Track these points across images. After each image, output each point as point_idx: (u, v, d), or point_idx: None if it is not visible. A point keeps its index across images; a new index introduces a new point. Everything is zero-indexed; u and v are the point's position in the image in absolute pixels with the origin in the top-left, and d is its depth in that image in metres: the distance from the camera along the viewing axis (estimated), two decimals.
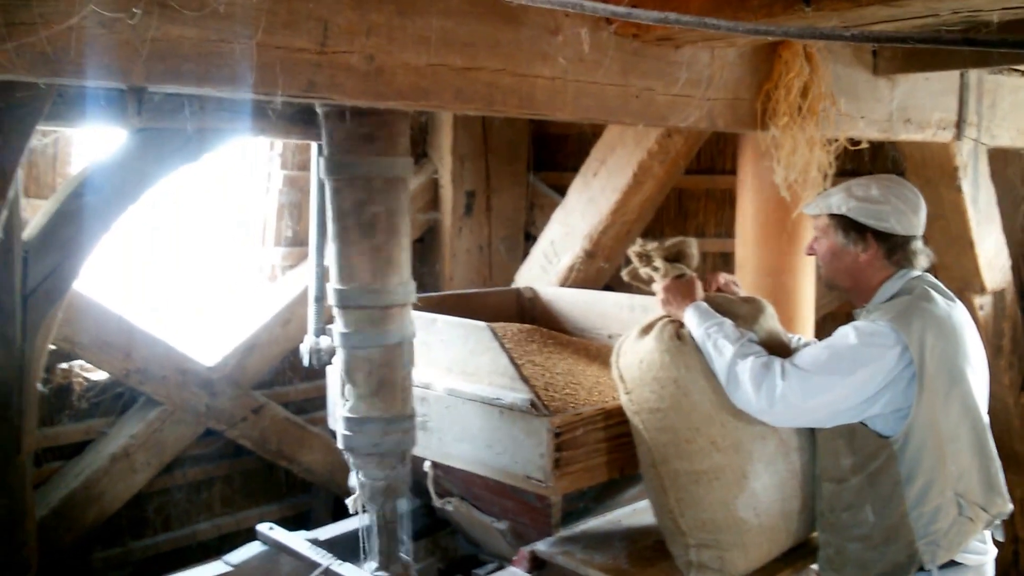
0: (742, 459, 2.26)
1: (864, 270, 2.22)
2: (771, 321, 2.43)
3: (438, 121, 4.25)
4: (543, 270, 4.08)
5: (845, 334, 2.10)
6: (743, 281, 3.24)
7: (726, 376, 2.18)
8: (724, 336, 2.21)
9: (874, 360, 2.04)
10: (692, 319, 2.30)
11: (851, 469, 2.14)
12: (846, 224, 2.19)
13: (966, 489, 2.11)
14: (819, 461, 2.26)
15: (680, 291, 2.36)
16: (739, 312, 2.37)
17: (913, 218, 2.19)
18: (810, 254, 2.36)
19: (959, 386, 2.11)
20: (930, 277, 2.23)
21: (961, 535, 2.09)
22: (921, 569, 2.08)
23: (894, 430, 2.07)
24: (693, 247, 2.46)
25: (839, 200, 2.20)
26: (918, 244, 2.22)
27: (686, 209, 4.70)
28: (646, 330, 2.44)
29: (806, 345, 2.51)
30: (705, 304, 2.33)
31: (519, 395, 2.46)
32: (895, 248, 2.19)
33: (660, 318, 2.44)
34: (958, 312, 2.19)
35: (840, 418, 2.12)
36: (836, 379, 2.06)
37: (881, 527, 2.10)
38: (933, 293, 2.15)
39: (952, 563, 2.10)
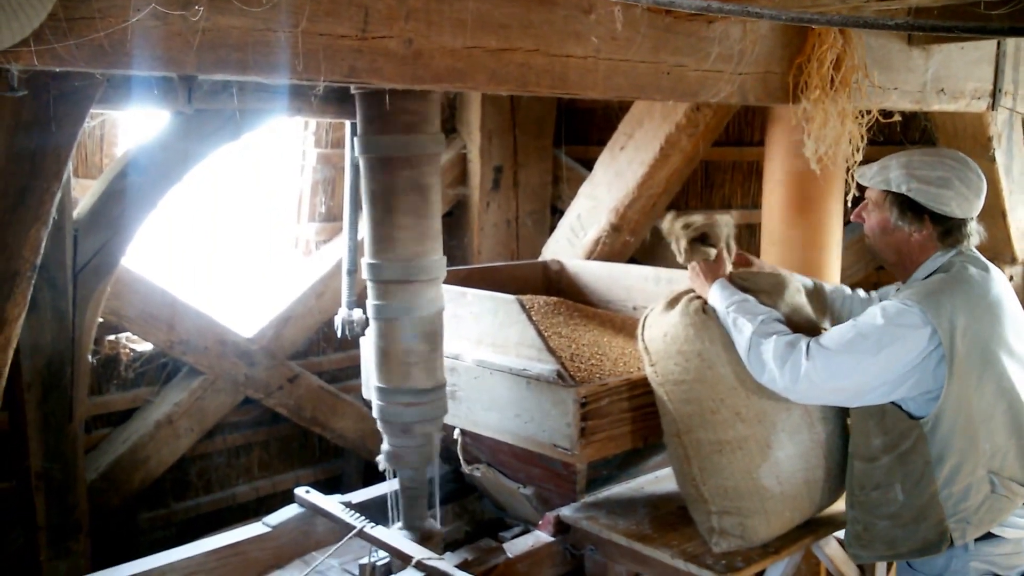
0: (766, 429, 2.29)
1: (913, 248, 2.15)
2: (797, 296, 2.42)
3: (467, 97, 4.26)
4: (569, 243, 4.11)
5: (873, 315, 2.06)
6: (769, 252, 3.26)
7: (746, 354, 2.18)
8: (746, 314, 2.21)
9: (900, 341, 1.99)
10: (716, 296, 2.31)
11: (881, 448, 2.11)
12: (903, 203, 2.10)
13: (1001, 466, 2.06)
14: (851, 439, 2.25)
15: (706, 269, 2.37)
16: (763, 287, 2.38)
17: (975, 201, 2.10)
18: (856, 221, 2.26)
19: (994, 366, 2.05)
20: (971, 251, 2.16)
21: (994, 512, 2.05)
22: (952, 545, 2.06)
23: (924, 411, 2.04)
24: (720, 226, 2.43)
25: (899, 177, 2.09)
26: (972, 225, 2.14)
27: (713, 181, 4.69)
28: (672, 303, 2.47)
29: (863, 300, 2.49)
30: (727, 281, 2.33)
31: (546, 366, 2.52)
32: (950, 230, 2.11)
33: (686, 291, 2.48)
34: (997, 286, 2.11)
35: (866, 398, 2.09)
36: (861, 359, 2.02)
37: (911, 506, 2.08)
38: (970, 270, 2.09)
39: (989, 535, 2.07)
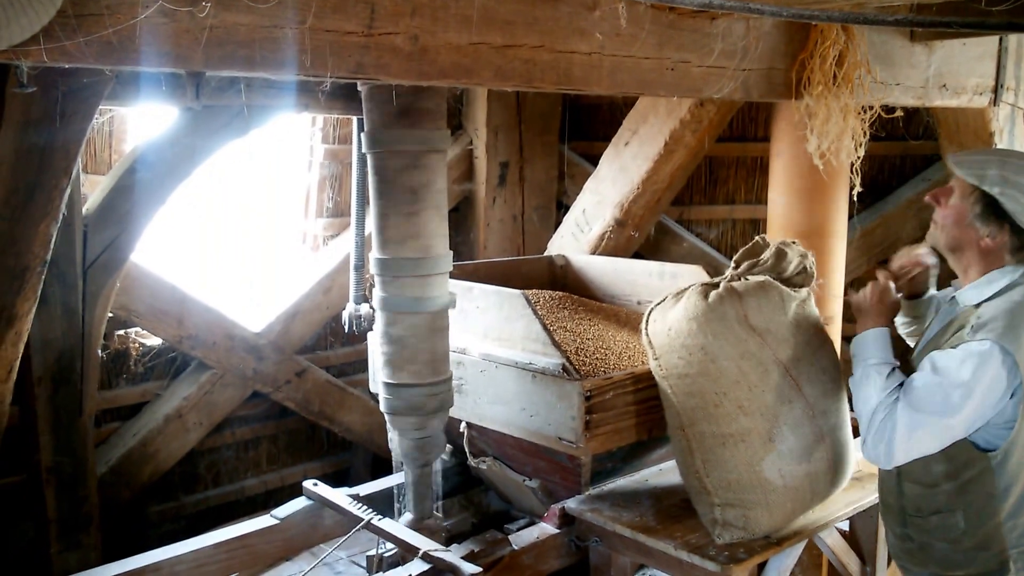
0: (768, 422, 2.30)
1: (980, 251, 2.00)
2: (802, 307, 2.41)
3: (473, 94, 4.27)
4: (575, 238, 4.13)
5: (955, 366, 1.91)
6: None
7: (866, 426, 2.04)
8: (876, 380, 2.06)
9: (986, 391, 1.88)
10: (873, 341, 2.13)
11: (943, 475, 2.01)
12: (989, 204, 1.95)
13: None
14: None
15: (879, 300, 2.18)
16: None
17: None
18: (929, 202, 2.09)
19: None
20: None
21: None
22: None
23: (995, 443, 1.94)
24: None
25: (994, 177, 1.95)
26: None
27: (717, 176, 4.70)
28: (675, 298, 2.49)
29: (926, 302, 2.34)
30: (887, 333, 2.14)
31: (551, 360, 2.54)
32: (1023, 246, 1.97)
33: (688, 287, 2.49)
34: None
35: (954, 440, 1.97)
36: (950, 419, 1.91)
37: (972, 535, 2.01)
38: None
39: None
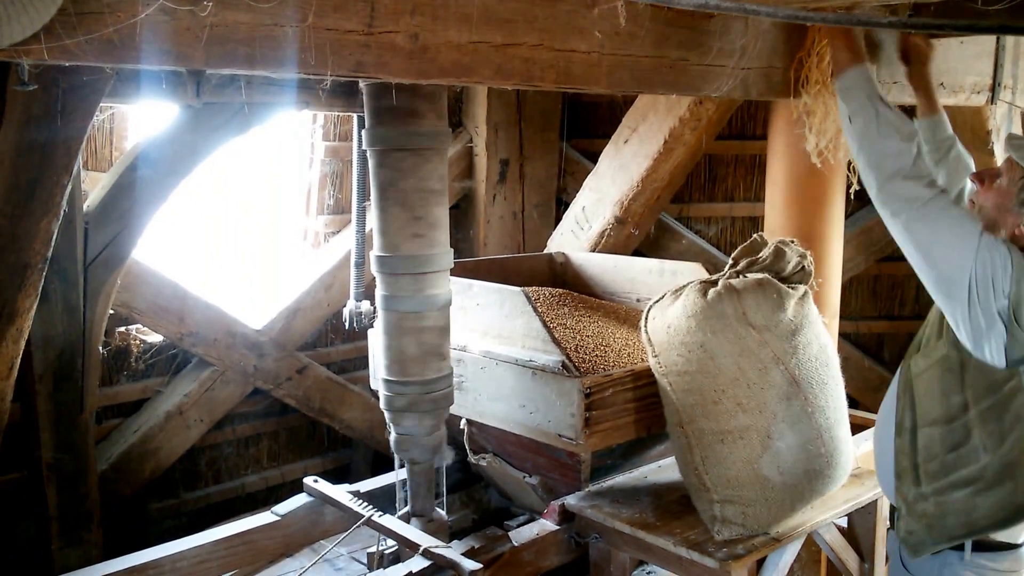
0: (766, 419, 2.31)
1: (1011, 236, 1.96)
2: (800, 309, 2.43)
3: (473, 91, 4.28)
4: (575, 236, 4.14)
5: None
6: None
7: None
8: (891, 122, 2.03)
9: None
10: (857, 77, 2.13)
11: (961, 406, 1.96)
12: None
13: None
14: (916, 409, 2.05)
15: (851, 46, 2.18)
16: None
17: None
18: (973, 182, 2.08)
19: None
20: None
21: None
22: None
23: (1007, 360, 1.88)
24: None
25: None
26: None
27: (716, 174, 4.71)
28: (674, 295, 2.50)
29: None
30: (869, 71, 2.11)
31: (551, 357, 2.55)
32: None
33: (687, 284, 2.50)
34: None
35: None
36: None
37: (995, 465, 1.93)
38: None
39: (990, 546, 1.99)
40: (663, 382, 2.45)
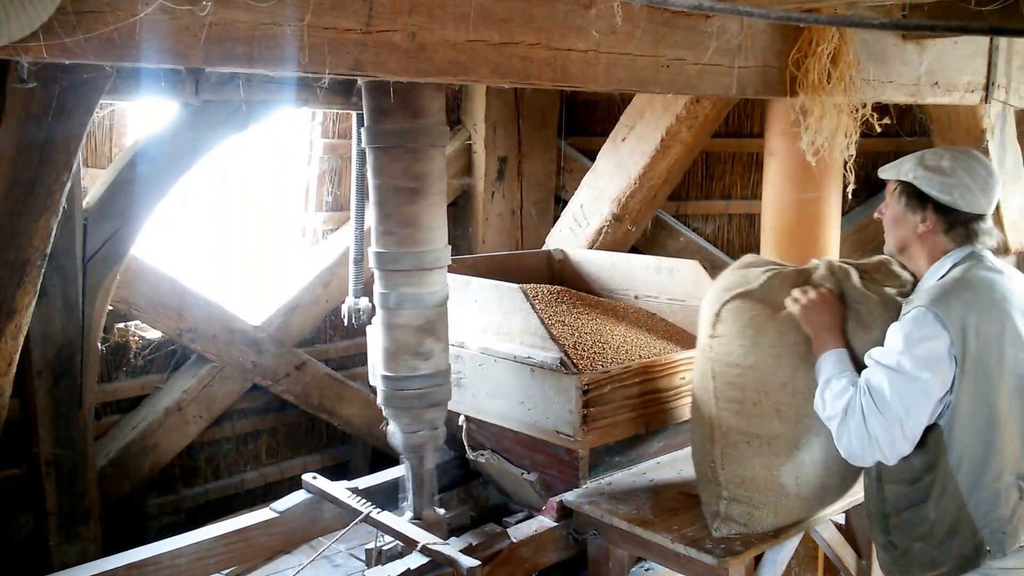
0: (800, 430, 2.24)
1: (921, 241, 2.09)
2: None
3: (472, 89, 4.28)
4: (572, 233, 4.15)
5: (894, 340, 1.98)
6: (767, 242, 3.29)
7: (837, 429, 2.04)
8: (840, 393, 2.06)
9: (934, 357, 1.92)
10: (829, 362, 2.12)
11: (923, 468, 2.02)
12: (910, 192, 2.08)
13: None
14: (882, 466, 2.09)
15: (828, 313, 2.17)
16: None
17: (980, 197, 2.04)
18: (877, 217, 2.22)
19: (1007, 363, 1.98)
20: (985, 254, 2.08)
21: None
22: (990, 558, 1.99)
23: (942, 417, 1.96)
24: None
25: (909, 167, 2.09)
26: (983, 224, 2.07)
27: (713, 172, 4.72)
28: (771, 292, 2.30)
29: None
30: (844, 354, 2.12)
31: (549, 354, 2.56)
32: (955, 224, 2.05)
33: (787, 282, 2.30)
34: (1008, 283, 2.04)
35: (932, 417, 1.97)
36: (910, 398, 1.93)
37: (942, 522, 2.00)
38: (979, 272, 2.03)
39: None
40: (706, 366, 2.34)
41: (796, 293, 2.22)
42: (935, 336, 1.94)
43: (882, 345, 2.05)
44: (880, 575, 2.47)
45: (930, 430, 1.99)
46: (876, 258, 2.36)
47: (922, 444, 2.00)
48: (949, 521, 2.00)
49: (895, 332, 2.01)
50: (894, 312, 2.13)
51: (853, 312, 2.20)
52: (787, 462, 2.26)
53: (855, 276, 2.26)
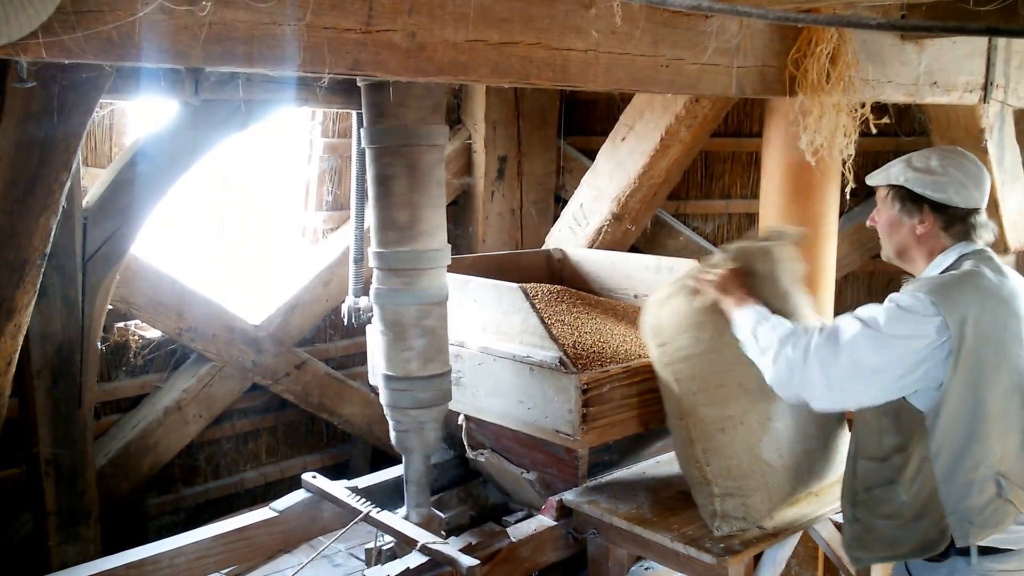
0: (766, 401, 2.32)
1: (920, 242, 2.11)
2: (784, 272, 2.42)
3: (471, 89, 4.29)
4: (572, 232, 4.15)
5: (884, 308, 2.01)
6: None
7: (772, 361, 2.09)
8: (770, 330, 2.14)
9: (910, 329, 1.95)
10: (744, 316, 2.23)
11: (893, 448, 2.05)
12: (903, 195, 2.10)
13: (1010, 470, 2.01)
14: (857, 440, 2.17)
15: (735, 283, 2.29)
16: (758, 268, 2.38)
17: (974, 191, 2.07)
18: (871, 225, 2.24)
19: (1007, 361, 2.00)
20: (988, 251, 2.11)
21: (998, 516, 1.99)
22: (954, 546, 2.00)
23: (928, 405, 1.99)
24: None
25: (898, 171, 2.11)
26: (979, 218, 2.09)
27: (712, 171, 4.72)
28: (681, 287, 2.45)
29: None
30: (763, 308, 2.22)
31: (549, 353, 2.56)
32: (953, 221, 2.07)
33: (690, 276, 2.45)
34: (1012, 284, 2.06)
35: (885, 393, 2.01)
36: (871, 350, 1.96)
37: (911, 504, 2.03)
38: (983, 268, 2.03)
39: (995, 549, 2.00)
40: (665, 373, 2.44)
41: (698, 281, 2.36)
42: (924, 316, 1.95)
43: (792, 289, 2.14)
44: (880, 575, 2.50)
45: (908, 412, 2.02)
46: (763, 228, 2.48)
47: (896, 424, 2.04)
48: (919, 505, 2.03)
49: (886, 302, 2.02)
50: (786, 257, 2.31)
51: (756, 275, 2.33)
52: (764, 436, 2.32)
53: (742, 242, 2.42)
